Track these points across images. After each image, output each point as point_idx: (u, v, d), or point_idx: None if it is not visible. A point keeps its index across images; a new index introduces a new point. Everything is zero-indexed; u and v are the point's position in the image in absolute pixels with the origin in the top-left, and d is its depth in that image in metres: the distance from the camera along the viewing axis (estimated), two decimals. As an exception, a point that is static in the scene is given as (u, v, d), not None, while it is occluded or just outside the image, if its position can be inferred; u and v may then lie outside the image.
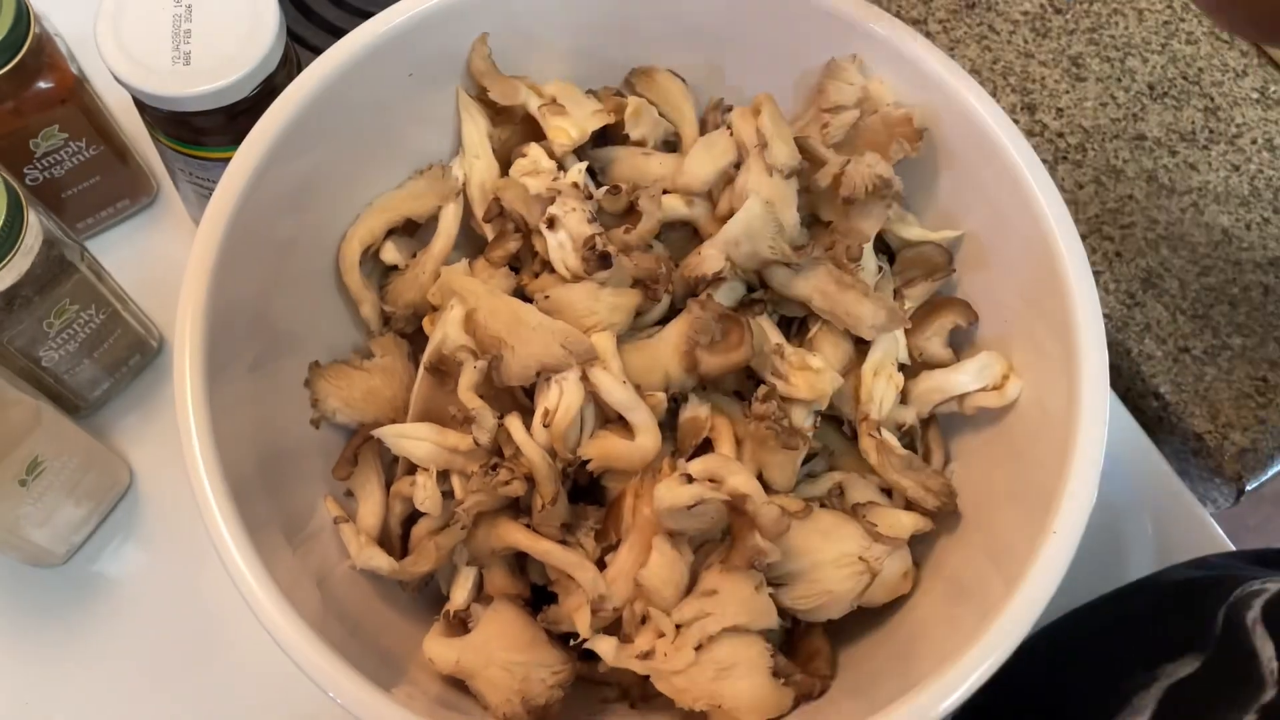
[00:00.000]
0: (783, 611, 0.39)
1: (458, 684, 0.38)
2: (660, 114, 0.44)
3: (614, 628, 0.38)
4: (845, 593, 0.38)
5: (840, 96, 0.41)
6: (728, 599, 0.36)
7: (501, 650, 0.37)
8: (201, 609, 0.48)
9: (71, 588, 0.48)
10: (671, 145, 0.45)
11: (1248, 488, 0.52)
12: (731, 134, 0.41)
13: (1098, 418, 0.35)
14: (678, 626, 0.37)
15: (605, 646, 0.37)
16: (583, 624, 0.37)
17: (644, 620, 0.37)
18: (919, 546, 0.41)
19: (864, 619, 0.40)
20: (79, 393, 0.49)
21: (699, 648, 0.36)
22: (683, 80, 0.44)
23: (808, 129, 0.43)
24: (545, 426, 0.38)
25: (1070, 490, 0.34)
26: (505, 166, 0.43)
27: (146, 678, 0.47)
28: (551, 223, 0.39)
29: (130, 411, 0.51)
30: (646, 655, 0.37)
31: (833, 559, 0.38)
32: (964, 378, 0.40)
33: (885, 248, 0.44)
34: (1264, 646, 0.34)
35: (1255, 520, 1.33)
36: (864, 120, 0.41)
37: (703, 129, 0.45)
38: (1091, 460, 0.34)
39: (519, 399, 0.40)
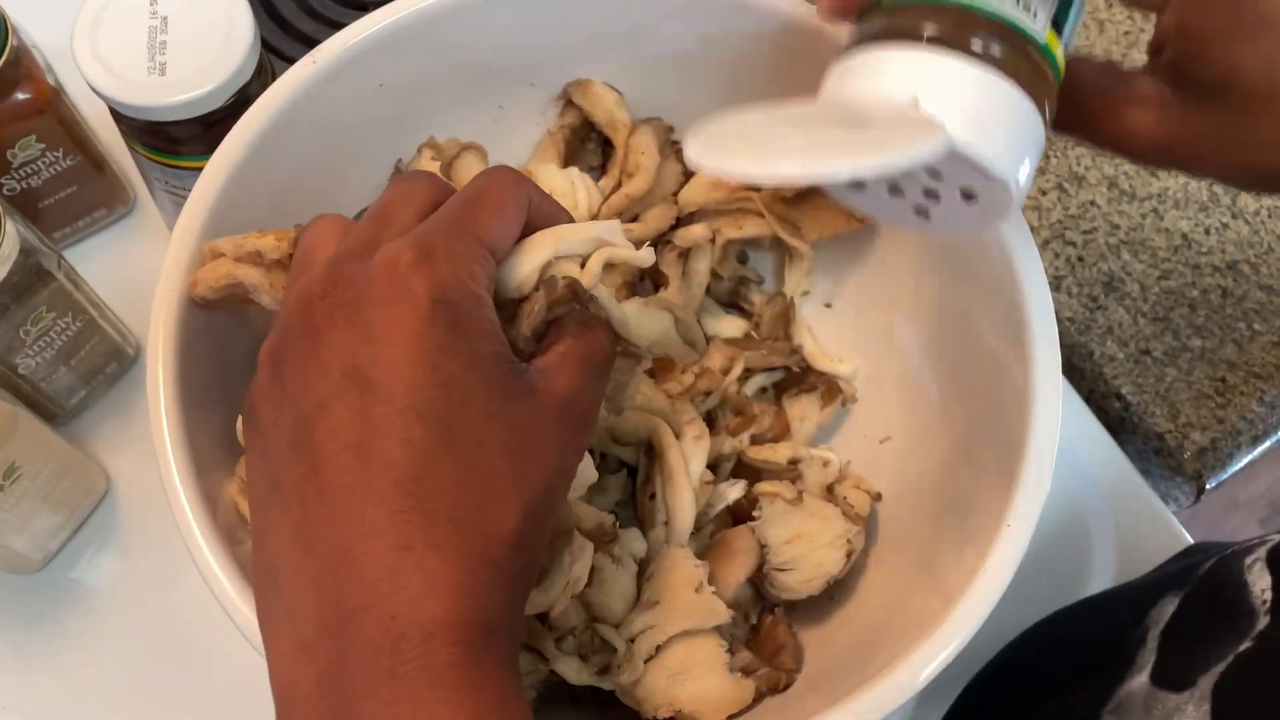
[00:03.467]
0: (773, 597, 0.41)
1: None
2: (595, 122, 0.46)
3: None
4: (832, 572, 0.40)
5: None
6: (669, 608, 0.37)
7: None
8: (179, 615, 0.48)
9: (49, 594, 0.49)
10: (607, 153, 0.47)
11: (1208, 486, 0.54)
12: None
13: (1050, 414, 0.36)
14: (630, 641, 0.38)
15: (567, 668, 0.38)
16: (550, 651, 0.38)
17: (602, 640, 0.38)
18: (886, 540, 0.42)
19: (830, 611, 0.41)
20: (56, 400, 0.49)
21: (649, 660, 0.37)
22: (617, 91, 0.45)
23: None
24: None
25: (1023, 482, 0.34)
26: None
27: (124, 685, 0.47)
28: None
29: (107, 419, 0.52)
30: (604, 671, 0.38)
31: (828, 541, 0.40)
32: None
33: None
34: (1258, 580, 0.35)
35: (1230, 525, 1.35)
36: None
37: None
38: (1045, 453, 0.35)
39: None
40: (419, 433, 0.25)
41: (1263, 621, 0.34)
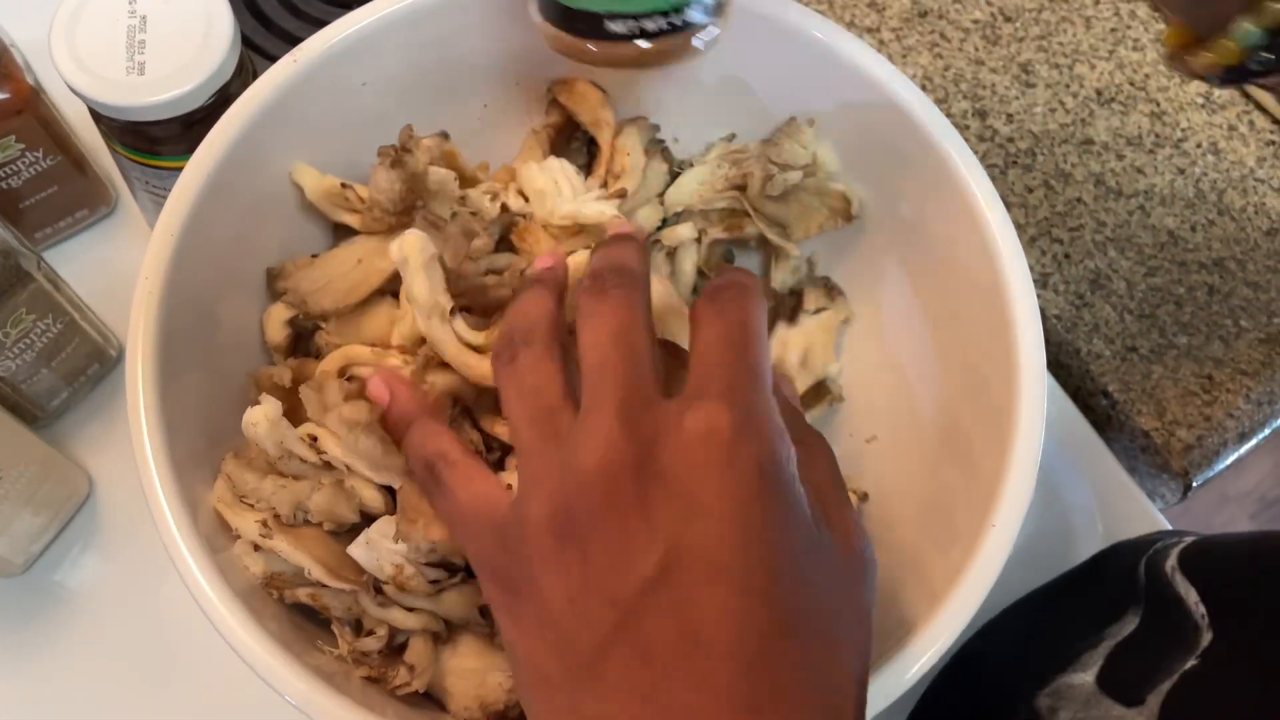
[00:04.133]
0: None
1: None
2: (580, 121, 0.45)
3: None
4: None
5: (791, 157, 0.43)
6: None
7: (456, 657, 0.38)
8: (163, 617, 0.48)
9: (31, 597, 0.48)
10: (592, 151, 0.47)
11: (1194, 483, 0.54)
12: None
13: (1035, 413, 0.36)
14: None
15: None
16: None
17: None
18: (872, 539, 0.42)
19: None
20: (37, 402, 0.49)
21: None
22: (602, 90, 0.45)
23: (750, 167, 0.43)
24: None
25: (1009, 481, 0.34)
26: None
27: (108, 687, 0.47)
28: None
29: (89, 421, 0.51)
30: None
31: None
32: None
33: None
34: (1187, 593, 0.35)
35: (1220, 520, 1.36)
36: (802, 181, 0.43)
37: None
38: (1030, 452, 0.35)
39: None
40: (762, 616, 0.24)
41: (1206, 637, 0.34)
